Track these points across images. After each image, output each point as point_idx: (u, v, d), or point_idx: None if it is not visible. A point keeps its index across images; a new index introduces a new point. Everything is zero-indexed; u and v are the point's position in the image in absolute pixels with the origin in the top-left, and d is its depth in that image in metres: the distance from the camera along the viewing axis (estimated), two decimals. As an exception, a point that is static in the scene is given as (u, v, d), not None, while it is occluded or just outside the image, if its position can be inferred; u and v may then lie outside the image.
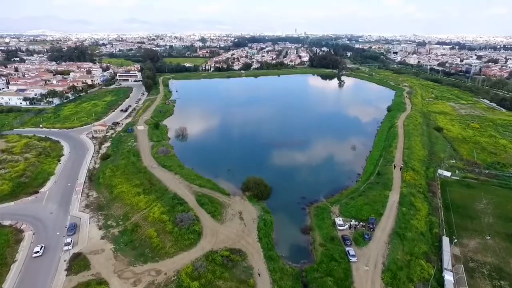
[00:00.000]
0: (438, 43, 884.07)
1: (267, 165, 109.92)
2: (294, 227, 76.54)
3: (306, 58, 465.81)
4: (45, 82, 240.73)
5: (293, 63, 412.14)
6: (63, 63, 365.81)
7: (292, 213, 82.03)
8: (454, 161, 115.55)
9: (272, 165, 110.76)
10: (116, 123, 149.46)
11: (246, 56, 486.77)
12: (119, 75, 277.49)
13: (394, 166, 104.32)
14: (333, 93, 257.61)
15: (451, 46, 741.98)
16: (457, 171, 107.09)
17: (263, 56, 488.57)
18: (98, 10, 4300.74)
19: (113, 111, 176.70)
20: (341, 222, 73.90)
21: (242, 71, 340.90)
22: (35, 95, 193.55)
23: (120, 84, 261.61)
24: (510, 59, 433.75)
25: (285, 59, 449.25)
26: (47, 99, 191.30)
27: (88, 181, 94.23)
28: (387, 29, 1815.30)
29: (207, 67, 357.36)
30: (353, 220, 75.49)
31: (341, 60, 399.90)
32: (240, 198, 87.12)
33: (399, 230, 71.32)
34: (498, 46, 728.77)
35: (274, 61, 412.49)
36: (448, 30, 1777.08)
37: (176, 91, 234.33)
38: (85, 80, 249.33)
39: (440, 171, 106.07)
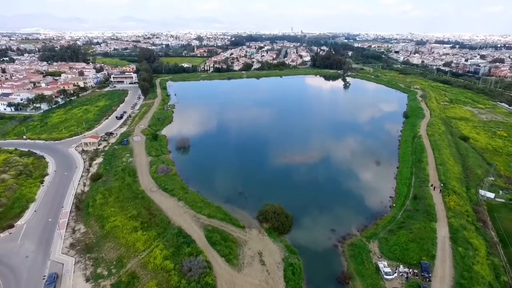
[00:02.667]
0: (437, 42, 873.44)
1: (282, 185, 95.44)
2: (328, 273, 62.18)
3: (307, 58, 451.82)
4: (34, 84, 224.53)
5: (294, 63, 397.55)
6: (55, 63, 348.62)
7: (323, 253, 67.73)
8: (492, 178, 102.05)
9: (289, 185, 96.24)
10: (109, 134, 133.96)
11: (245, 56, 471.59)
12: (113, 77, 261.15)
13: (433, 187, 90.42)
14: (341, 96, 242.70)
15: (451, 45, 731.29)
16: (500, 192, 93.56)
17: (263, 55, 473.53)
18: (94, 8, 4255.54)
19: (107, 118, 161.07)
20: (388, 270, 59.69)
21: (243, 72, 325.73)
22: (21, 100, 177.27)
23: (115, 86, 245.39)
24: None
25: (285, 59, 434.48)
26: (34, 104, 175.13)
27: (75, 210, 79.17)
28: (383, 28, 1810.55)
29: (206, 68, 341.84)
30: (401, 266, 61.37)
31: (345, 60, 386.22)
32: (258, 232, 72.62)
33: (462, 281, 57.24)
34: (499, 45, 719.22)
35: (275, 61, 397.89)
36: (444, 28, 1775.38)
37: (175, 95, 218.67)
38: (77, 83, 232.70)
39: (482, 192, 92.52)
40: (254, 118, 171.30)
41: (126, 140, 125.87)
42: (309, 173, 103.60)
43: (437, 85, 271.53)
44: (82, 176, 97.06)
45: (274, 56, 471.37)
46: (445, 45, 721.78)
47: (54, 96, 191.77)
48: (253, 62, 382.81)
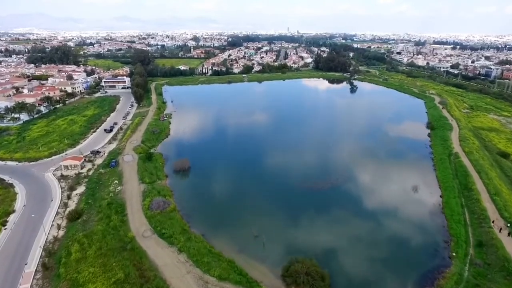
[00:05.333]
0: (436, 42, 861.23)
1: (303, 224, 76.96)
2: None
3: (309, 60, 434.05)
4: (17, 90, 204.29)
5: (296, 65, 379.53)
6: (43, 65, 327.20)
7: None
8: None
9: (311, 223, 77.72)
10: (95, 152, 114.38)
11: (244, 57, 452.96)
12: (104, 81, 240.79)
13: (498, 229, 72.35)
14: (353, 103, 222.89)
15: (452, 46, 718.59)
16: None
17: (263, 57, 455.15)
18: (89, 7, 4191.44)
19: (94, 131, 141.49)
20: None
21: (243, 75, 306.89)
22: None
23: (106, 92, 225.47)
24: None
25: (286, 60, 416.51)
26: (13, 114, 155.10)
27: (41, 269, 60.05)
28: (380, 28, 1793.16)
29: (204, 70, 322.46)
30: None
31: (351, 62, 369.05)
32: (287, 303, 54.20)
33: None
34: (500, 46, 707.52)
35: (276, 63, 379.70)
36: (440, 28, 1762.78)
37: (172, 102, 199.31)
38: (64, 88, 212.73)
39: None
40: (263, 131, 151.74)
41: (115, 161, 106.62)
42: (335, 207, 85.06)
43: (450, 89, 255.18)
44: (57, 213, 77.76)
45: (274, 57, 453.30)
46: (445, 46, 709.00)
47: (37, 104, 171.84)
48: (253, 64, 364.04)
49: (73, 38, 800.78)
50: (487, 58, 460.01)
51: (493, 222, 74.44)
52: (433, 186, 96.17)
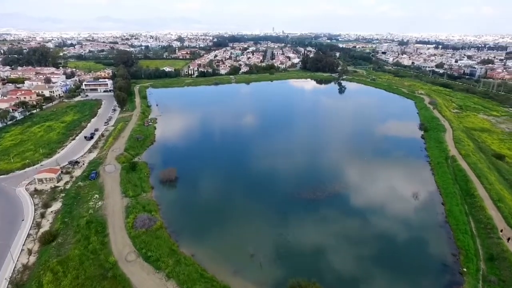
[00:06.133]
0: (418, 42, 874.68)
1: (307, 241, 71.36)
2: None
3: (296, 60, 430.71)
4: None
5: (283, 66, 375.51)
6: (20, 68, 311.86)
7: None
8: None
9: (315, 240, 72.22)
10: (74, 163, 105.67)
11: (231, 58, 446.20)
12: (85, 84, 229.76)
13: (507, 239, 68.62)
14: (343, 105, 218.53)
15: (434, 46, 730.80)
16: None
17: (249, 57, 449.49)
18: (69, 7, 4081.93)
19: (74, 139, 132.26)
20: None
21: (231, 76, 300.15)
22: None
23: (87, 95, 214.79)
24: (509, 59, 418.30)
25: (274, 61, 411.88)
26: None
27: (8, 306, 52.43)
28: (363, 28, 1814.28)
29: (189, 72, 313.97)
30: None
31: (338, 62, 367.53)
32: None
33: None
34: (480, 46, 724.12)
35: (263, 64, 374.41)
36: (420, 29, 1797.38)
37: (157, 105, 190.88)
38: (42, 92, 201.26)
39: None
40: (254, 136, 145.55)
41: (95, 172, 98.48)
42: (335, 219, 79.78)
43: (438, 89, 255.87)
44: (28, 235, 69.56)
45: (261, 58, 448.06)
46: (428, 46, 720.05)
47: (11, 110, 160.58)
48: (240, 65, 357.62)
49: (52, 39, 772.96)
50: (469, 57, 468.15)
51: (501, 231, 70.76)
52: (433, 192, 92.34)
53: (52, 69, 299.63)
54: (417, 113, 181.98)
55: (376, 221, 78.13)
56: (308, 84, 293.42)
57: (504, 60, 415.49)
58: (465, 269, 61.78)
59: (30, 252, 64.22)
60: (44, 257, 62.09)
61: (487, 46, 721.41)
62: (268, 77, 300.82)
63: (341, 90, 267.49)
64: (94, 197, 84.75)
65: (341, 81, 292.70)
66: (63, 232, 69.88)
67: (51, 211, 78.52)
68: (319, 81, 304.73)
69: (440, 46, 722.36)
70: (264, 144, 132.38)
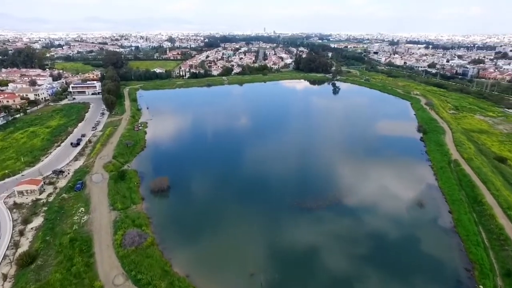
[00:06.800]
0: (408, 42, 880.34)
1: (310, 257, 66.56)
2: None
3: (288, 60, 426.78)
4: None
5: (276, 66, 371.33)
6: (4, 69, 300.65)
7: None
8: None
9: (319, 255, 67.49)
10: (58, 172, 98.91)
11: (223, 58, 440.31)
12: (72, 86, 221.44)
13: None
14: (339, 106, 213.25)
15: (425, 46, 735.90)
16: None
17: (241, 58, 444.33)
18: (57, 7, 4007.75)
19: (59, 145, 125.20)
20: None
21: (223, 77, 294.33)
22: None
23: (74, 98, 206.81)
24: (499, 59, 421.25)
25: (266, 61, 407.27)
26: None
27: None
28: (353, 28, 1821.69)
29: (181, 73, 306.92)
30: None
31: (332, 62, 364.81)
32: None
33: None
34: (469, 46, 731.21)
35: (256, 64, 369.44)
36: (410, 28, 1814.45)
37: (147, 108, 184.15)
38: (26, 95, 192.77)
39: None
40: (249, 140, 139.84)
41: (81, 182, 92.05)
42: (337, 231, 75.04)
43: (432, 89, 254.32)
44: (4, 257, 63.09)
45: (253, 58, 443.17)
46: (419, 45, 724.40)
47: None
48: (232, 66, 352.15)
49: (39, 40, 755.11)
50: (459, 57, 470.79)
51: (514, 242, 66.99)
52: (438, 199, 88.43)
53: (38, 71, 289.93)
54: (414, 114, 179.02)
55: (383, 234, 73.52)
56: (302, 85, 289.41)
57: (495, 60, 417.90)
58: (481, 286, 57.61)
59: (5, 277, 57.88)
60: (21, 283, 55.88)
61: (476, 46, 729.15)
62: (261, 78, 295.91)
63: (336, 91, 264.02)
64: (80, 210, 78.51)
65: (335, 82, 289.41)
66: (43, 253, 63.66)
67: (31, 228, 72.06)
68: (313, 82, 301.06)
69: (431, 46, 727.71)
70: (260, 149, 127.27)
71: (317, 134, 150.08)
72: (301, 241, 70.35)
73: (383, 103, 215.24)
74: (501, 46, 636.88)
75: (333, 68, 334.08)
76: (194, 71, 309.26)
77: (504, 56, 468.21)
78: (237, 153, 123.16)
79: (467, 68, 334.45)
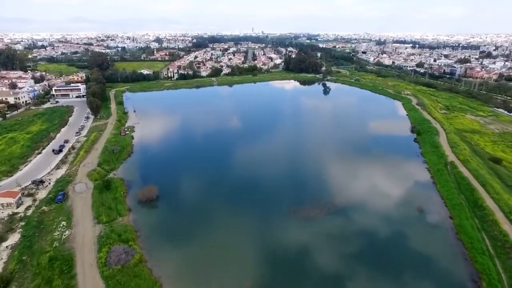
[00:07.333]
0: (395, 41, 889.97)
1: (311, 274, 62.84)
2: None
3: (278, 61, 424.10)
4: None
5: (266, 67, 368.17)
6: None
7: None
8: None
9: (320, 270, 63.87)
10: (38, 183, 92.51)
11: (211, 59, 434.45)
12: (55, 89, 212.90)
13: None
14: (332, 107, 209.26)
15: (411, 45, 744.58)
16: None
17: (231, 58, 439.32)
18: (40, 7, 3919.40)
19: (40, 152, 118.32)
20: None
21: (212, 78, 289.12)
22: None
23: (57, 101, 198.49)
24: (484, 58, 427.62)
25: (256, 62, 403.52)
26: None
27: None
28: (341, 28, 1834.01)
29: (169, 74, 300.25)
30: None
31: (322, 63, 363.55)
32: None
33: None
34: (454, 45, 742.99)
35: (245, 65, 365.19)
36: (396, 28, 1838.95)
37: (134, 111, 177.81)
38: (5, 98, 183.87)
39: None
40: (242, 144, 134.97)
41: (62, 193, 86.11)
42: (337, 242, 71.51)
43: (422, 88, 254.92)
44: (-24, 281, 57.41)
45: (242, 58, 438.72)
46: (406, 45, 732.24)
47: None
48: (221, 66, 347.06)
49: (22, 40, 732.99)
50: (446, 56, 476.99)
51: (520, 250, 64.71)
52: (437, 204, 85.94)
53: (20, 73, 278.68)
54: (407, 115, 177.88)
55: (387, 246, 70.12)
56: (293, 86, 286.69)
57: (480, 59, 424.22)
58: (491, 300, 54.90)
59: (-25, 304, 52.30)
60: (-7, 312, 50.41)
61: (460, 45, 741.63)
62: (251, 79, 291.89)
63: (327, 91, 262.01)
64: (61, 225, 72.85)
65: (326, 82, 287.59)
66: (19, 275, 58.04)
67: (7, 246, 66.09)
68: (304, 82, 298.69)
69: (417, 46, 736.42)
70: (253, 153, 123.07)
71: (311, 136, 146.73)
72: (300, 257, 66.52)
73: (375, 104, 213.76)
74: (484, 45, 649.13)
75: (323, 68, 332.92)
76: (183, 72, 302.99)
77: (489, 55, 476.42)
78: (229, 158, 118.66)
79: (455, 67, 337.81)
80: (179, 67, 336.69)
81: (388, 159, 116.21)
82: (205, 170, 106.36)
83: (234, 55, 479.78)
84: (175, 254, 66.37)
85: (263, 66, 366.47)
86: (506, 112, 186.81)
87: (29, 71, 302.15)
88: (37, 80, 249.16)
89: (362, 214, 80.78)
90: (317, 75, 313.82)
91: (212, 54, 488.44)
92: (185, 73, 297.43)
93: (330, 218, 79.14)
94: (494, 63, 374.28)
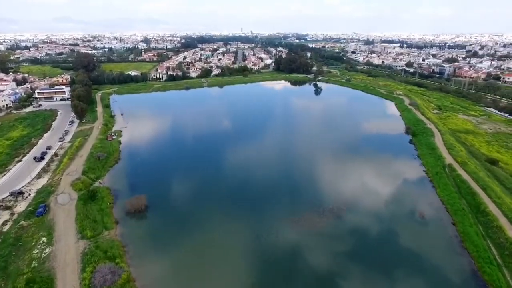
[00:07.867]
0: (383, 41, 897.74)
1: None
2: None
3: (268, 61, 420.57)
4: None
5: (256, 67, 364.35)
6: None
7: None
8: None
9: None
10: (17, 194, 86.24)
11: (201, 60, 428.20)
12: (38, 92, 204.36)
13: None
14: (325, 108, 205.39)
15: (399, 45, 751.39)
16: None
17: (220, 59, 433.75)
18: (24, 6, 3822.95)
19: (20, 160, 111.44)
20: None
21: (202, 79, 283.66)
22: None
23: (40, 105, 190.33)
24: (471, 57, 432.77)
25: (246, 62, 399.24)
26: None
27: None
28: (329, 28, 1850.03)
29: (157, 76, 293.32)
30: None
31: (313, 63, 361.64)
32: None
33: None
34: (441, 45, 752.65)
35: (235, 65, 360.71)
36: (383, 28, 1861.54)
37: (122, 115, 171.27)
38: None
39: None
40: (234, 146, 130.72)
41: (43, 205, 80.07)
42: (339, 252, 67.95)
43: (413, 88, 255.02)
44: None
45: (232, 59, 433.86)
46: (394, 45, 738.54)
47: None
48: (211, 67, 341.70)
49: (4, 41, 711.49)
50: (434, 56, 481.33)
51: (528, 259, 62.17)
52: (439, 210, 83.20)
53: (1, 75, 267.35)
54: (400, 115, 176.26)
55: (391, 253, 67.16)
56: (284, 86, 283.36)
57: (467, 59, 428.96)
58: (502, 314, 51.96)
59: None
60: None
61: (447, 45, 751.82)
62: (241, 80, 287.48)
63: (319, 92, 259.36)
64: (41, 241, 67.20)
65: (317, 82, 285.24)
66: (-7, 301, 52.56)
67: (-20, 268, 60.28)
68: (295, 83, 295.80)
69: (405, 45, 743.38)
70: (246, 156, 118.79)
71: (306, 139, 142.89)
72: (299, 270, 62.60)
73: (368, 104, 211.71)
74: (470, 45, 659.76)
75: (314, 68, 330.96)
76: (172, 73, 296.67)
77: (475, 54, 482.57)
78: (221, 162, 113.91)
79: (444, 67, 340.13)
80: (168, 68, 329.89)
81: (384, 162, 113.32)
82: (197, 177, 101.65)
83: (223, 56, 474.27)
84: (166, 272, 61.63)
85: (253, 67, 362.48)
86: (497, 111, 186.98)
87: (10, 73, 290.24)
88: (19, 83, 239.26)
89: (362, 222, 77.28)
90: (308, 75, 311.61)
91: (201, 55, 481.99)
92: (174, 74, 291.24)
93: (330, 229, 75.40)
94: (481, 62, 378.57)
